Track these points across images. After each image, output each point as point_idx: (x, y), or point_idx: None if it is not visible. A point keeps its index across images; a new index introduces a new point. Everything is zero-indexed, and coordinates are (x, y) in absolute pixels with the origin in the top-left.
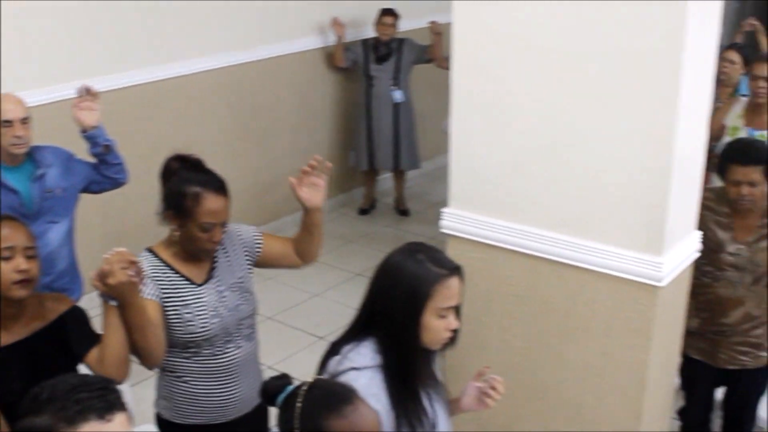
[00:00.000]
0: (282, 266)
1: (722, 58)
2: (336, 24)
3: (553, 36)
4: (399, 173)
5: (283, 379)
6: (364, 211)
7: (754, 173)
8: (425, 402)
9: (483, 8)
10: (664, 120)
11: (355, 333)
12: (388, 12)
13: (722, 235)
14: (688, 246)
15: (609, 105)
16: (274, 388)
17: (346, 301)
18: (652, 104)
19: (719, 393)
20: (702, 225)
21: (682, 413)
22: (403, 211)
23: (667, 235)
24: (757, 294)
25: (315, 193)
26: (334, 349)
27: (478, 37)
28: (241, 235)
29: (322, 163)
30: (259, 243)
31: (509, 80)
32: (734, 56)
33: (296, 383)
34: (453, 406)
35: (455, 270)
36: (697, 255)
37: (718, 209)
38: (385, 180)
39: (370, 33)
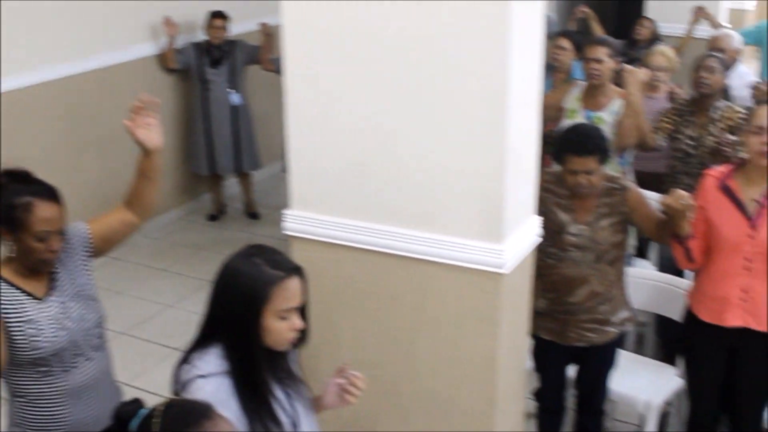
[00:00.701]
0: (121, 236)
1: (555, 45)
2: (168, 24)
3: (382, 33)
4: (243, 176)
5: (135, 403)
6: (213, 217)
7: (591, 162)
8: (284, 402)
9: (311, 7)
10: (495, 109)
11: (201, 340)
12: (217, 15)
13: (563, 216)
14: (529, 231)
15: (440, 98)
16: (127, 413)
17: (200, 311)
18: (482, 94)
19: (571, 370)
20: (543, 207)
21: (537, 393)
22: (252, 215)
23: (506, 222)
24: (601, 271)
25: (152, 132)
26: (186, 357)
27: (308, 37)
28: (71, 236)
29: (151, 101)
30: (86, 231)
31: (342, 79)
32: (565, 43)
33: (149, 407)
34: (316, 404)
35: (293, 271)
36: (539, 239)
37: (558, 191)
38: (234, 184)
39: (202, 37)
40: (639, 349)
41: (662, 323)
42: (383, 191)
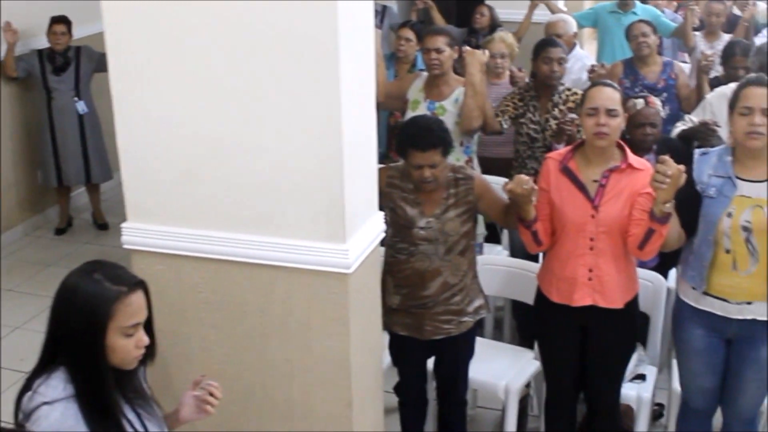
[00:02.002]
0: None
1: (398, 37)
2: (7, 30)
3: (208, 33)
4: (93, 187)
5: None
6: (60, 231)
7: (433, 156)
8: (135, 422)
9: (133, 10)
10: (329, 107)
11: (44, 364)
12: (58, 20)
13: (411, 211)
14: (373, 228)
15: (272, 100)
16: None
17: None
18: (315, 93)
19: (431, 363)
20: (390, 203)
21: (398, 388)
22: (101, 225)
23: (349, 221)
24: (452, 263)
25: None
26: (28, 384)
27: (131, 43)
28: None
29: None
30: None
31: (168, 84)
32: (409, 33)
33: None
34: (171, 420)
35: (136, 285)
36: (384, 235)
37: (404, 186)
38: (80, 195)
39: (45, 43)
40: (497, 334)
41: (518, 307)
42: (220, 197)
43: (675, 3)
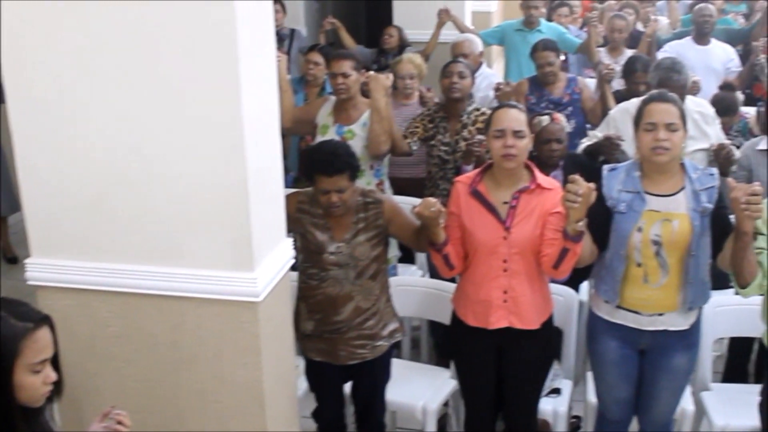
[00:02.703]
0: None
1: (307, 60)
2: None
3: (110, 62)
4: (1, 219)
5: None
6: None
7: (341, 180)
8: None
9: (32, 37)
10: (232, 136)
11: None
12: None
13: (321, 236)
14: (281, 255)
15: (175, 129)
16: None
17: None
18: (218, 122)
19: (348, 387)
20: (300, 229)
21: (316, 414)
22: (11, 259)
23: (256, 249)
24: (364, 287)
25: None
26: None
27: (28, 68)
28: None
29: None
30: None
31: (71, 114)
32: (317, 57)
33: None
34: None
35: (42, 321)
36: (293, 261)
37: (313, 211)
38: None
39: None
40: (415, 354)
41: (435, 326)
42: (125, 230)
43: (580, 19)
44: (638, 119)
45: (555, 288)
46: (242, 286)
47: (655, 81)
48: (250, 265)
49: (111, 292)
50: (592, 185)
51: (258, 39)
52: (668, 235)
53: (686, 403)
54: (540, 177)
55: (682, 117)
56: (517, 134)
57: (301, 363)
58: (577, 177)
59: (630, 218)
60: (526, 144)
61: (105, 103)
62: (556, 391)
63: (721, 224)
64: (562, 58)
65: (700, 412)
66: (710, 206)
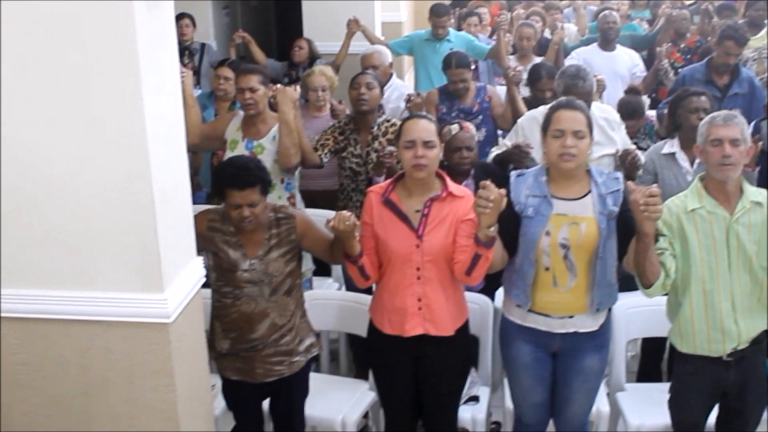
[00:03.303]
0: None
1: (217, 76)
2: None
3: (7, 82)
4: None
5: None
6: None
7: (252, 194)
8: None
9: None
10: (137, 156)
11: None
12: None
13: (233, 254)
14: (192, 274)
15: (80, 151)
16: None
17: None
18: (122, 143)
19: (267, 404)
20: (213, 247)
21: None
22: None
23: (166, 269)
24: (279, 303)
25: None
26: None
27: None
28: None
29: None
30: None
31: None
32: (227, 72)
33: None
34: None
35: None
36: (204, 280)
37: (225, 229)
38: None
39: None
40: (333, 366)
41: (353, 339)
42: (30, 253)
43: (489, 28)
44: (546, 126)
45: (470, 296)
46: (152, 307)
47: (560, 88)
48: (160, 285)
49: (18, 319)
50: (502, 191)
51: (161, 56)
52: (576, 238)
53: (601, 404)
54: (451, 185)
55: (589, 124)
56: (427, 144)
57: (218, 382)
58: (488, 183)
59: (538, 222)
60: (436, 154)
61: (5, 126)
62: (475, 399)
63: (626, 227)
64: (473, 67)
65: (616, 412)
66: (616, 209)
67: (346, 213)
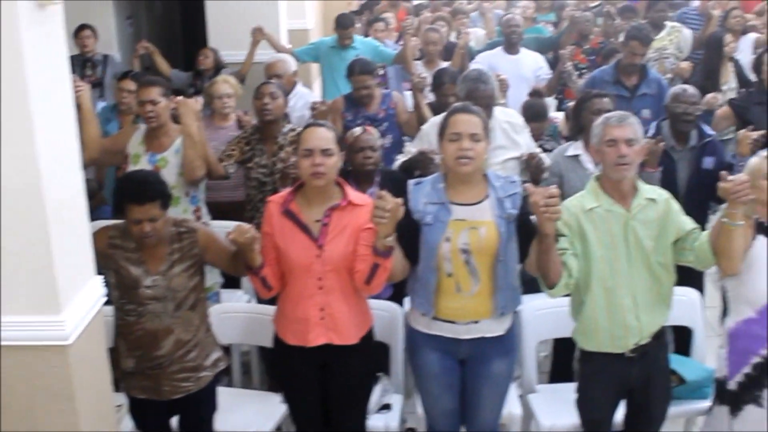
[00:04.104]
0: None
1: (119, 88)
2: None
3: None
4: None
5: None
6: None
7: (152, 209)
8: None
9: None
10: (27, 175)
11: None
12: None
13: (135, 270)
14: (91, 294)
15: None
16: None
17: None
18: (10, 162)
19: (175, 421)
20: (114, 264)
21: None
22: None
23: (62, 290)
24: (183, 319)
25: None
26: None
27: None
28: None
29: None
30: None
31: None
32: (130, 85)
33: None
34: None
35: None
36: (104, 299)
37: (126, 245)
38: None
39: None
40: (246, 380)
41: (265, 351)
42: None
43: (395, 33)
44: (443, 130)
45: (379, 303)
46: (48, 330)
47: (463, 92)
48: (56, 307)
49: None
50: (399, 200)
51: (50, 72)
52: (476, 242)
53: (513, 407)
54: (351, 194)
55: (485, 128)
56: (326, 152)
57: (125, 401)
58: (384, 193)
59: (437, 229)
60: (335, 162)
61: None
62: (387, 407)
63: (526, 229)
64: (381, 72)
65: (528, 414)
66: (515, 212)
67: (245, 225)
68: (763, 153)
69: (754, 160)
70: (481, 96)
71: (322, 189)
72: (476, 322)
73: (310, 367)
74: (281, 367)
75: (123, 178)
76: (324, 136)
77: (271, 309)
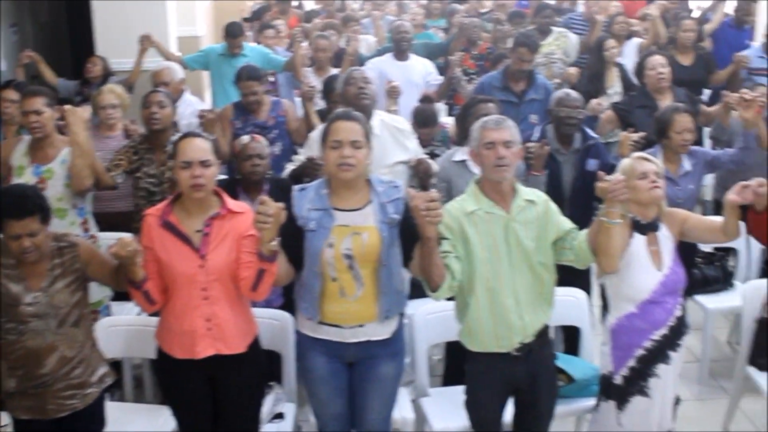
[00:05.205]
0: None
1: (2, 99)
2: None
3: None
4: None
5: None
6: None
7: (32, 223)
8: None
9: None
10: None
11: None
12: None
13: (15, 287)
14: None
15: None
16: None
17: None
18: None
19: None
20: None
21: None
22: None
23: None
24: (67, 336)
25: None
26: None
27: None
28: None
29: None
30: None
31: None
32: (13, 94)
33: None
34: None
35: None
36: None
37: (5, 262)
38: None
39: None
40: (139, 393)
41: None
42: None
43: (287, 40)
44: (325, 137)
45: (270, 312)
46: None
47: (340, 96)
48: None
49: None
50: (281, 205)
51: None
52: (359, 247)
53: (406, 411)
54: (230, 202)
55: (366, 135)
56: (204, 164)
57: (9, 420)
58: (266, 198)
59: (320, 235)
60: (213, 172)
61: None
62: (280, 416)
63: (409, 233)
64: (271, 80)
65: (421, 418)
66: (397, 217)
67: (127, 238)
68: (635, 154)
69: (625, 162)
70: (362, 101)
71: (201, 199)
72: (362, 325)
73: (199, 379)
74: (169, 381)
75: (1, 193)
76: (201, 147)
77: (152, 320)
